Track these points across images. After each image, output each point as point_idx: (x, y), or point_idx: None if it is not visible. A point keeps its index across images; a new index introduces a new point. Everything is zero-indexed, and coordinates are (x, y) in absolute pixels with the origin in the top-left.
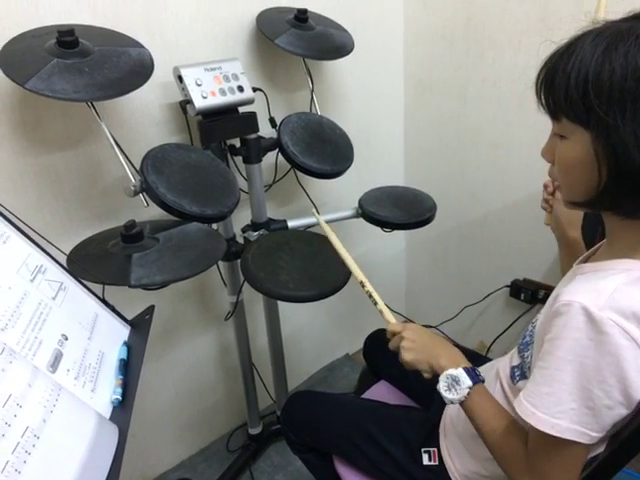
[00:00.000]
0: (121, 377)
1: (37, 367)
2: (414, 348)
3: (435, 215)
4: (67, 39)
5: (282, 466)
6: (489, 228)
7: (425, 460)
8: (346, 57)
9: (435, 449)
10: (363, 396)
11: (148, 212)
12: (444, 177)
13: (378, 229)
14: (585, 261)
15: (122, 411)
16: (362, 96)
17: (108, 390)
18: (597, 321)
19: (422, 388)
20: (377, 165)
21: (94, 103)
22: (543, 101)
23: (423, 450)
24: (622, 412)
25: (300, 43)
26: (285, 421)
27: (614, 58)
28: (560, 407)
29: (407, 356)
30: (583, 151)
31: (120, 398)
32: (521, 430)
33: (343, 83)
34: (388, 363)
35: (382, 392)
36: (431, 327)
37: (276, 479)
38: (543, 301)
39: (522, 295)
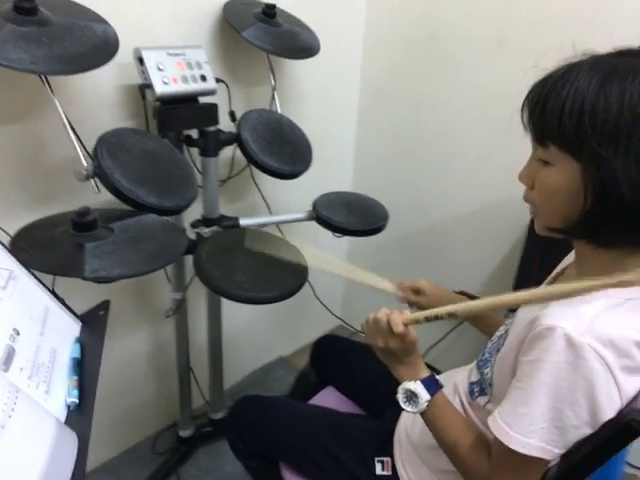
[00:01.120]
0: (76, 378)
1: None
2: (381, 350)
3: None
4: (25, 5)
5: (211, 470)
6: (432, 238)
7: (378, 470)
8: None
9: (389, 459)
10: (310, 402)
11: (93, 199)
12: (392, 186)
13: (324, 232)
14: (552, 283)
15: (79, 416)
16: (318, 98)
17: (62, 392)
18: (577, 346)
19: (373, 397)
20: (326, 169)
21: (49, 77)
22: (531, 126)
23: (376, 459)
24: (587, 431)
25: (267, 38)
26: (231, 426)
27: (609, 91)
28: (532, 427)
29: (374, 349)
30: (568, 179)
31: (77, 401)
32: (484, 442)
33: (302, 83)
34: (338, 370)
35: (330, 399)
36: None
37: None
38: None
39: None
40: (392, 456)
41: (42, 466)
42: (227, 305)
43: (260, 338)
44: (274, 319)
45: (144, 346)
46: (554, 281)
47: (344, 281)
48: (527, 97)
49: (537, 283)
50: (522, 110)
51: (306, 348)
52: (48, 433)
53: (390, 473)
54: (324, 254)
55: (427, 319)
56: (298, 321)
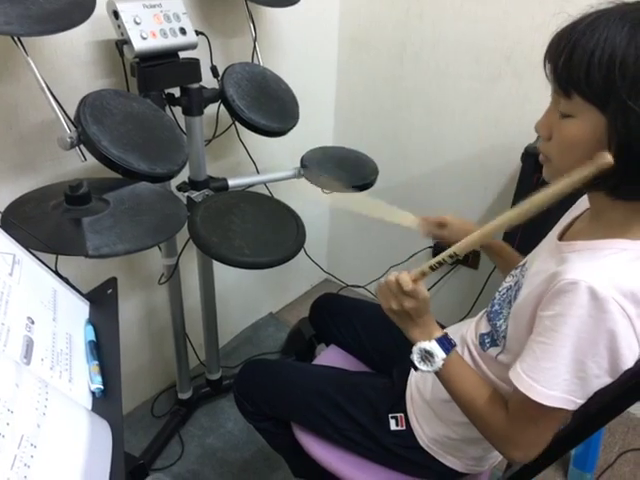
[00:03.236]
0: (96, 363)
1: (18, 362)
2: (399, 316)
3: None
4: None
5: (212, 429)
6: (416, 190)
7: (392, 425)
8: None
9: (402, 414)
10: (316, 362)
11: (73, 165)
12: (374, 138)
13: (311, 188)
14: (561, 237)
15: (106, 402)
16: (297, 50)
17: (84, 379)
18: (601, 299)
19: (379, 354)
20: (308, 123)
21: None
22: (555, 76)
23: (390, 416)
24: (607, 380)
25: None
26: (240, 390)
27: None
28: (556, 379)
29: (389, 315)
30: (591, 131)
31: (102, 387)
32: (500, 397)
33: (280, 34)
34: (339, 329)
35: (335, 358)
36: (359, 287)
37: (207, 443)
38: (462, 262)
39: None
40: (405, 412)
41: (82, 461)
42: (215, 265)
43: (249, 296)
44: (262, 276)
45: (137, 312)
46: (564, 234)
47: (328, 235)
48: (551, 45)
49: (526, 232)
50: (545, 58)
51: (295, 303)
52: (83, 426)
53: (404, 428)
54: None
55: (432, 268)
56: (286, 277)
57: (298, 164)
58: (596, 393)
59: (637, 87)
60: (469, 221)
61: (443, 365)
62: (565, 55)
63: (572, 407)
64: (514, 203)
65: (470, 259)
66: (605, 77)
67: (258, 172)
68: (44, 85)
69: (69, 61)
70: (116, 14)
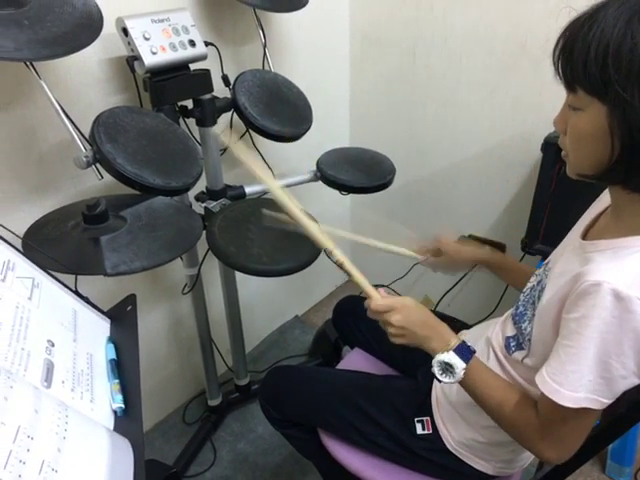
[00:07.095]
0: (117, 381)
1: (37, 387)
2: (403, 335)
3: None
4: None
5: (243, 434)
6: (436, 187)
7: (419, 429)
8: None
9: (428, 418)
10: (340, 366)
11: (92, 182)
12: (391, 136)
13: (328, 189)
14: (584, 236)
15: (128, 421)
16: (309, 52)
17: (106, 398)
18: (625, 300)
19: (403, 356)
20: (323, 125)
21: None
22: (560, 71)
23: (416, 420)
24: (635, 381)
25: None
26: (265, 398)
27: (636, 31)
28: (581, 381)
29: (397, 341)
30: (597, 124)
31: (123, 406)
32: (527, 398)
33: (291, 38)
34: (362, 331)
35: (360, 361)
36: (383, 286)
37: (239, 448)
38: None
39: None
40: (431, 415)
41: None
42: (237, 272)
43: (274, 300)
44: (286, 279)
45: (163, 322)
46: (587, 231)
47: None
48: (557, 40)
49: (551, 223)
50: (553, 54)
51: (320, 305)
52: (103, 447)
53: (431, 432)
54: (340, 229)
55: (349, 276)
56: (310, 279)
57: (314, 167)
58: (625, 392)
59: (631, 79)
60: (464, 242)
61: (465, 374)
62: (567, 50)
63: (598, 406)
64: (536, 194)
65: None
66: (601, 69)
67: (275, 177)
68: (58, 107)
69: (83, 80)
70: (125, 31)
